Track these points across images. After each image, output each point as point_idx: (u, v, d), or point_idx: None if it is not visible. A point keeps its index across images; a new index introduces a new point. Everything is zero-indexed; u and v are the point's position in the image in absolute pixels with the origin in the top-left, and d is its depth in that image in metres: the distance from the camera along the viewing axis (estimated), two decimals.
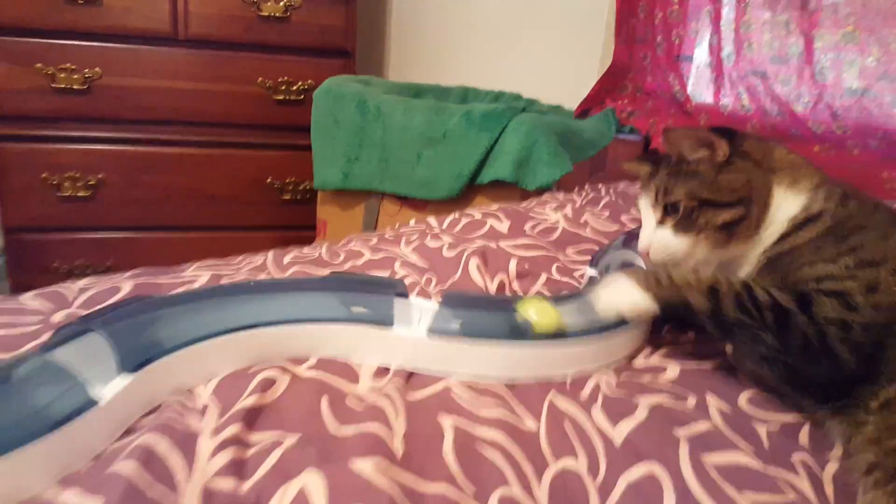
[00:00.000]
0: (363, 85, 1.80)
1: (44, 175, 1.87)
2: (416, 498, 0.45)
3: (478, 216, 1.04)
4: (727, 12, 1.78)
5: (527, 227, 1.01)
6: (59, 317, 0.63)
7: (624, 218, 1.10)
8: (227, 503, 0.42)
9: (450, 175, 1.49)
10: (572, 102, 1.86)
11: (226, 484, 0.44)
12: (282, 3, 1.97)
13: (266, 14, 1.98)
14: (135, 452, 0.43)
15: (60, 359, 0.48)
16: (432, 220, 1.04)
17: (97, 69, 1.88)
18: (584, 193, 1.25)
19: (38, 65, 1.83)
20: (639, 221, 1.12)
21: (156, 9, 1.88)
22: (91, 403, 0.46)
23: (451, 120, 1.49)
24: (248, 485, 0.44)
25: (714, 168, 0.67)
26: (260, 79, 2.04)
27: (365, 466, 0.45)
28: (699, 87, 1.87)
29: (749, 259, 0.68)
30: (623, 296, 0.62)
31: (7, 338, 0.57)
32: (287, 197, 2.14)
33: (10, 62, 1.81)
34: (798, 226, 0.65)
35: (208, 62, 1.98)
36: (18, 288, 1.90)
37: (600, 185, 1.28)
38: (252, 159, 2.08)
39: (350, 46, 2.13)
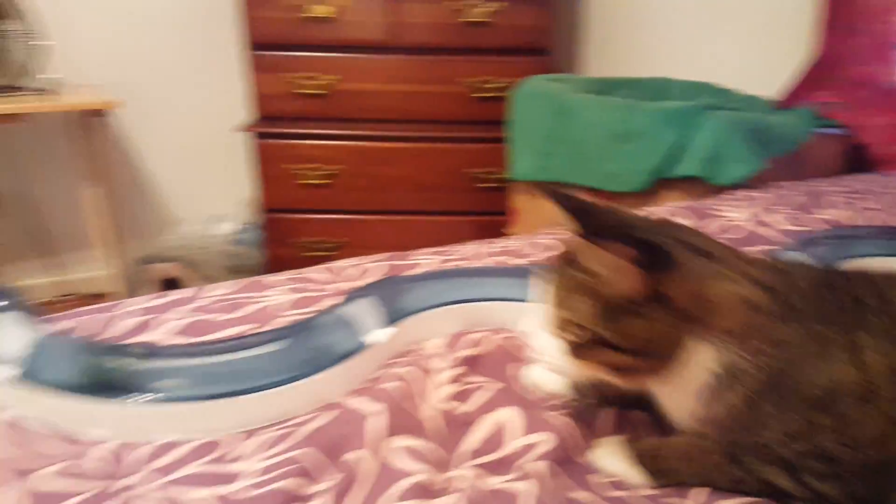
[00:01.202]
0: (559, 83, 1.95)
1: (292, 166, 2.26)
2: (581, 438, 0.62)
3: (661, 212, 1.14)
4: None
5: (707, 224, 1.10)
6: (334, 286, 0.89)
7: (811, 217, 1.13)
8: (452, 418, 0.63)
9: (639, 169, 1.59)
10: (774, 94, 1.82)
11: (451, 405, 0.65)
12: (485, 9, 2.18)
13: (471, 20, 2.20)
14: (398, 376, 0.65)
15: (347, 314, 0.72)
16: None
17: (333, 76, 2.23)
18: (773, 191, 1.28)
19: (289, 74, 2.21)
20: (826, 223, 1.14)
21: (379, 21, 2.16)
22: (367, 344, 0.69)
23: (641, 117, 1.58)
24: (466, 407, 0.65)
25: (621, 304, 0.53)
26: (463, 79, 2.27)
27: (548, 413, 0.64)
28: None
29: (673, 405, 0.59)
30: (619, 465, 0.58)
31: (307, 297, 0.85)
32: (484, 185, 2.35)
33: (267, 72, 2.20)
34: (719, 381, 0.53)
35: (421, 66, 2.24)
36: (272, 259, 2.36)
37: (792, 183, 1.30)
38: (454, 151, 2.30)
39: (547, 44, 2.27)
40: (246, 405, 0.60)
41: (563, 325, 0.56)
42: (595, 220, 0.56)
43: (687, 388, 0.55)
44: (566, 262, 0.56)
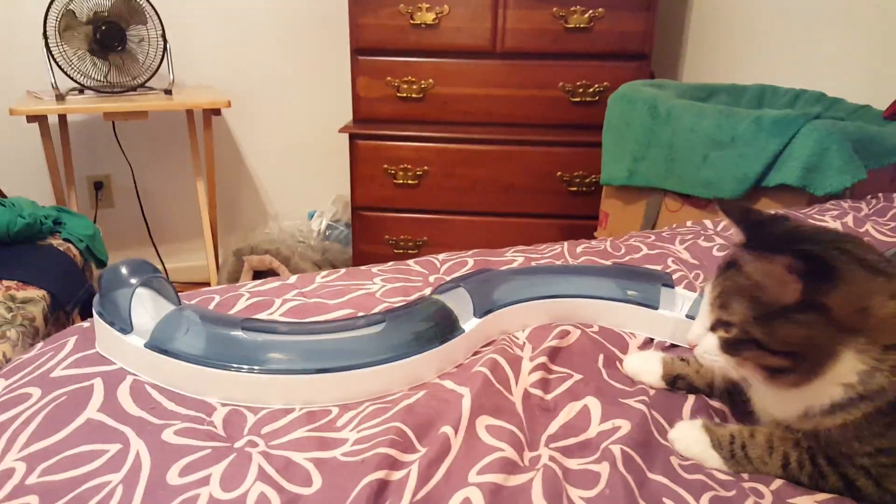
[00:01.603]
0: (656, 89, 1.93)
1: (384, 166, 2.35)
2: (658, 425, 0.65)
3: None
4: None
5: None
6: (432, 277, 0.95)
7: None
8: (537, 403, 0.67)
9: (735, 177, 1.56)
10: (883, 103, 1.74)
11: (536, 392, 0.69)
12: (587, 15, 2.19)
13: (572, 26, 2.21)
14: (487, 362, 0.70)
15: (443, 301, 0.77)
16: (708, 222, 1.18)
17: (430, 80, 2.30)
18: (874, 202, 1.25)
19: (388, 78, 2.31)
20: None
21: (479, 27, 2.22)
22: (460, 331, 0.74)
23: (740, 124, 1.55)
24: (550, 396, 0.69)
25: (778, 308, 0.55)
26: (560, 83, 2.28)
27: (629, 401, 0.67)
28: None
29: (783, 405, 0.61)
30: (694, 446, 0.62)
31: (405, 286, 0.91)
32: (574, 189, 2.35)
33: (370, 76, 2.30)
34: (854, 398, 0.55)
35: (518, 71, 2.27)
36: (359, 253, 2.46)
37: (894, 195, 1.26)
38: (545, 154, 2.32)
39: (647, 49, 2.25)
40: (348, 380, 0.67)
41: (718, 324, 0.59)
42: (762, 230, 0.61)
43: (816, 394, 0.57)
44: (729, 266, 0.60)
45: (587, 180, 2.34)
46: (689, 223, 1.21)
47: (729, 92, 2.06)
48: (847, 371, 0.55)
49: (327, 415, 0.64)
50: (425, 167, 2.34)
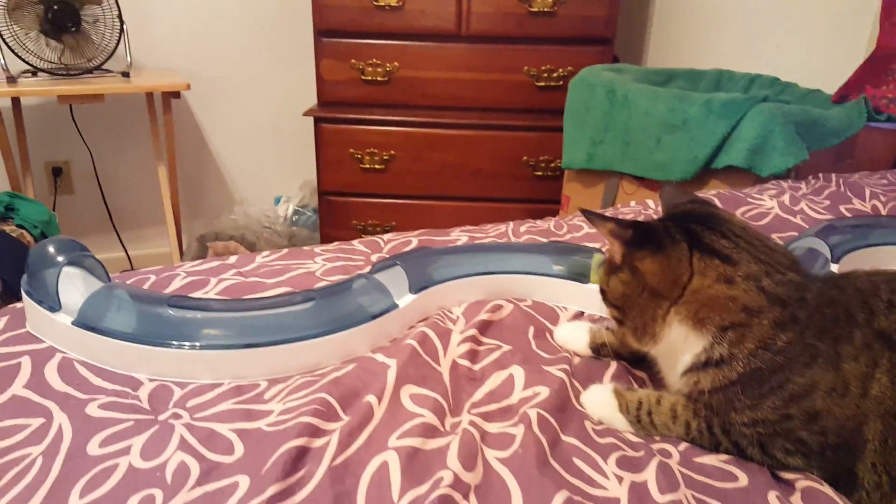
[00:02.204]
0: (615, 73, 1.95)
1: (350, 150, 2.32)
2: (577, 391, 0.68)
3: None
4: None
5: (739, 211, 1.12)
6: (374, 257, 0.96)
7: (843, 208, 1.13)
8: (464, 373, 0.70)
9: (686, 159, 1.59)
10: (833, 87, 1.79)
11: (464, 362, 0.71)
12: None
13: (536, 10, 2.22)
14: (417, 335, 0.72)
15: (379, 279, 0.79)
16: (650, 201, 1.20)
17: (395, 63, 2.29)
18: (813, 182, 1.29)
19: (353, 60, 2.29)
20: (858, 212, 1.14)
21: (444, 9, 2.21)
22: (394, 307, 0.76)
23: (691, 108, 1.58)
24: (478, 366, 0.71)
25: (613, 265, 0.65)
26: (525, 67, 2.29)
27: (551, 369, 0.69)
28: None
29: (672, 371, 0.66)
30: (602, 410, 0.65)
31: (346, 266, 0.92)
32: (539, 173, 2.37)
33: (333, 59, 2.28)
34: (703, 365, 0.60)
35: (483, 55, 2.27)
36: (325, 239, 2.45)
37: (834, 175, 1.29)
38: (511, 139, 2.33)
39: (610, 34, 2.26)
40: (278, 355, 0.68)
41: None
42: (672, 208, 0.70)
43: (676, 361, 0.64)
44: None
45: (552, 164, 2.35)
46: (632, 203, 1.24)
47: (687, 77, 2.09)
48: (683, 339, 0.61)
49: (255, 388, 0.66)
50: (392, 152, 2.33)
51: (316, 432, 0.58)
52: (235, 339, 0.68)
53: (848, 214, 1.11)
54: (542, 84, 2.32)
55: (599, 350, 0.75)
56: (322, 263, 0.92)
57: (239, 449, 0.57)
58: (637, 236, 0.62)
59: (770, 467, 0.60)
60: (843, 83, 1.70)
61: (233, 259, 0.93)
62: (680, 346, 0.62)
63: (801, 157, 1.36)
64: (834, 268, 0.90)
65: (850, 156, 1.56)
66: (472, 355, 0.73)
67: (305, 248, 0.97)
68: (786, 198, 1.17)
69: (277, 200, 2.70)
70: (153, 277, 0.86)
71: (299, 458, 0.55)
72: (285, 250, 0.96)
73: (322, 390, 0.63)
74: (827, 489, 0.56)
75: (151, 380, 0.66)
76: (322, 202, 2.42)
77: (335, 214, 2.42)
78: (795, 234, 1.03)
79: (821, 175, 1.32)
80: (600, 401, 0.66)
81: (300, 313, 0.72)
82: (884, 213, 1.17)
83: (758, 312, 0.58)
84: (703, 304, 0.60)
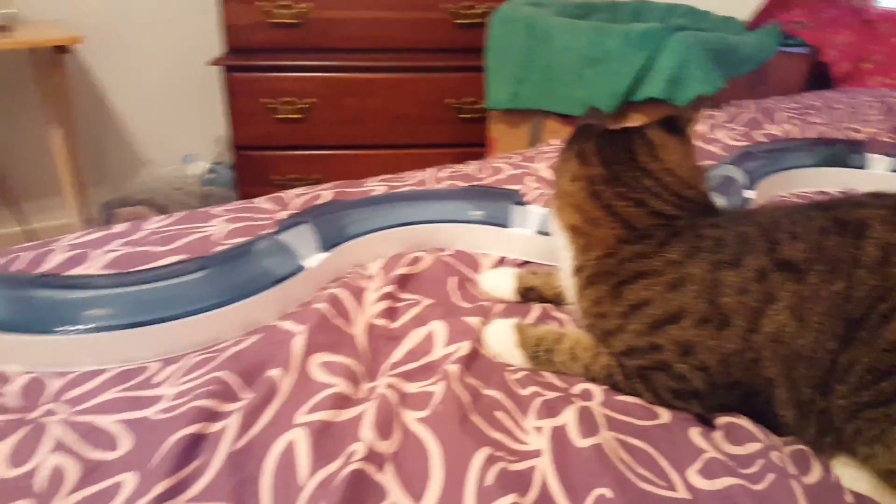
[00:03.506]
0: (535, 7, 1.89)
1: (265, 100, 2.20)
2: None
3: None
4: None
5: None
6: (281, 215, 0.89)
7: (757, 134, 1.13)
8: (381, 333, 0.65)
9: (607, 93, 1.56)
10: (747, 14, 1.79)
11: (381, 321, 0.66)
12: None
13: None
14: (327, 297, 0.66)
15: (283, 240, 0.72)
16: None
17: (307, 4, 2.15)
18: (730, 109, 1.28)
19: (259, 2, 2.13)
20: (772, 137, 1.15)
21: None
22: (300, 269, 0.70)
23: (610, 40, 1.54)
24: (396, 324, 0.66)
25: None
26: (444, 4, 2.19)
27: (473, 320, 0.65)
28: None
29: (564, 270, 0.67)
30: (500, 344, 0.63)
31: (249, 226, 0.85)
32: (465, 116, 2.31)
33: (238, 1, 2.12)
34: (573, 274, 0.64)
35: None
36: (244, 197, 2.31)
37: (750, 101, 1.29)
38: (434, 81, 2.24)
39: None
40: (170, 332, 0.61)
41: None
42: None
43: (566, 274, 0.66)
44: None
45: (477, 106, 2.29)
46: (553, 142, 1.20)
47: (607, 8, 2.05)
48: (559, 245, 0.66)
49: (143, 372, 0.59)
50: (310, 99, 2.21)
51: (212, 416, 0.52)
52: (119, 318, 0.60)
53: (763, 139, 1.11)
54: (462, 21, 2.23)
55: (527, 294, 0.74)
56: (221, 226, 0.84)
57: (125, 443, 0.51)
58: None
59: (673, 408, 0.57)
60: (756, 9, 1.70)
61: (119, 227, 0.84)
62: (560, 252, 0.65)
63: (717, 86, 1.35)
64: (751, 193, 0.90)
65: (764, 82, 1.56)
66: (390, 313, 0.68)
67: (201, 209, 0.89)
68: (704, 126, 1.15)
69: (188, 159, 2.54)
70: (27, 255, 0.76)
71: (193, 446, 0.49)
72: (179, 214, 0.87)
73: (220, 367, 0.57)
74: (747, 423, 0.55)
75: (25, 374, 0.58)
76: (237, 158, 2.28)
77: (253, 170, 2.30)
78: (714, 162, 1.03)
79: (741, 102, 1.32)
80: (499, 335, 0.64)
81: (193, 283, 0.65)
82: (796, 136, 1.18)
83: (625, 241, 0.60)
84: (562, 200, 0.65)
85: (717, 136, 1.11)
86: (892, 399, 0.46)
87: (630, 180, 0.61)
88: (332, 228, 0.76)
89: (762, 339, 0.52)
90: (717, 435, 0.55)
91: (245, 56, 2.17)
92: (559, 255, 0.67)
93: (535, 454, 0.52)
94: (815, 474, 0.51)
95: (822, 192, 1.02)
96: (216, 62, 2.14)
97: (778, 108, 1.25)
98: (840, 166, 1.04)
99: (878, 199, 0.55)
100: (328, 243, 0.74)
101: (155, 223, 0.85)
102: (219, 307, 0.63)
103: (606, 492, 0.48)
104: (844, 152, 1.06)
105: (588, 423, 0.54)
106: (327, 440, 0.51)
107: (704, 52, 1.37)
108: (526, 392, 0.58)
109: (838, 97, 1.43)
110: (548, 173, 1.03)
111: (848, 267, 0.50)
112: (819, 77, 1.77)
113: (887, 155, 1.05)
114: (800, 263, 0.52)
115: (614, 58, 1.53)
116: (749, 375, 0.53)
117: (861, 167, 1.04)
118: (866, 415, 0.48)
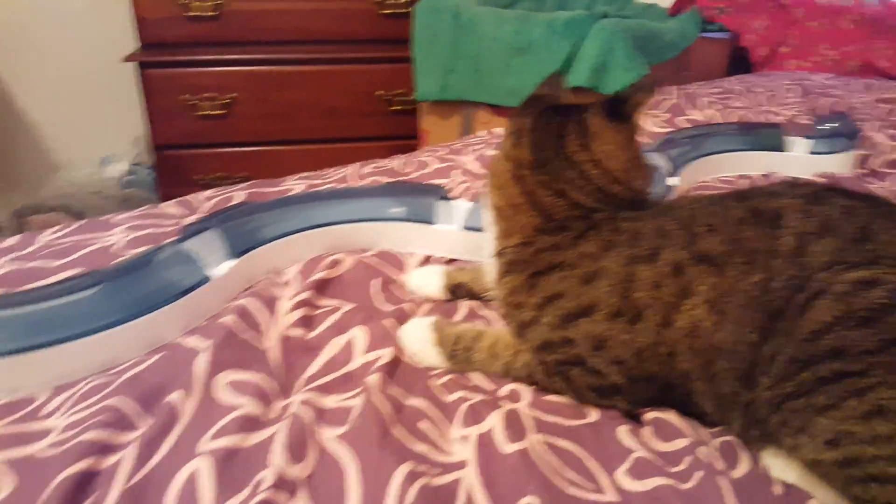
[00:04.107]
0: None
1: (184, 96, 2.09)
2: None
3: None
4: None
5: None
6: (189, 220, 0.83)
7: (680, 120, 1.14)
8: (297, 345, 0.61)
9: (535, 83, 1.52)
10: (670, 1, 1.81)
11: (296, 332, 0.62)
12: None
13: None
14: (234, 310, 0.62)
15: (186, 248, 0.67)
16: (500, 129, 1.15)
17: None
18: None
19: None
20: (695, 122, 1.16)
21: None
22: (206, 279, 0.65)
23: (536, 29, 1.54)
24: (313, 333, 0.63)
25: None
26: None
27: (388, 323, 0.62)
28: None
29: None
30: (416, 343, 0.61)
31: (153, 234, 0.79)
32: (396, 108, 2.26)
33: None
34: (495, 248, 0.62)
35: None
36: (166, 199, 2.21)
37: (673, 87, 1.30)
38: (362, 73, 2.19)
39: None
40: (61, 356, 0.56)
41: None
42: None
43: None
44: None
45: (408, 98, 2.25)
46: (481, 133, 1.18)
47: None
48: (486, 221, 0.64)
49: (31, 403, 0.53)
50: (232, 94, 2.12)
51: (106, 449, 0.47)
52: (3, 344, 0.54)
53: (686, 125, 1.12)
54: (387, 11, 2.18)
55: (455, 291, 0.71)
56: (122, 235, 0.78)
57: (6, 485, 0.45)
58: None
59: (597, 406, 0.56)
60: None
61: (12, 240, 0.77)
62: (487, 230, 0.63)
63: (641, 73, 1.36)
64: (675, 180, 0.90)
65: (687, 67, 1.59)
66: (307, 322, 0.64)
67: (102, 218, 0.82)
68: None
69: (106, 161, 2.40)
70: None
71: (84, 484, 0.45)
72: (76, 224, 0.80)
73: (116, 393, 0.52)
74: (674, 418, 0.54)
75: None
76: (158, 158, 2.18)
77: (175, 170, 2.19)
78: None
79: (664, 89, 1.33)
80: (416, 334, 0.61)
81: (87, 300, 0.59)
82: (718, 121, 1.20)
83: (542, 230, 0.58)
84: (493, 178, 0.62)
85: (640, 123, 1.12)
86: (814, 389, 0.46)
87: (554, 169, 0.59)
88: (242, 233, 0.72)
89: (676, 333, 0.51)
90: (646, 431, 0.54)
91: (161, 51, 2.06)
92: (486, 233, 0.64)
93: (461, 465, 0.49)
94: (743, 467, 0.50)
95: (744, 176, 1.03)
96: (129, 58, 2.03)
97: (700, 93, 1.27)
98: (761, 150, 1.06)
99: (792, 188, 0.55)
100: (237, 249, 0.69)
101: (49, 235, 0.78)
102: (116, 325, 0.58)
103: (533, 500, 0.46)
104: (765, 136, 1.07)
105: (514, 428, 0.52)
106: (234, 468, 0.47)
107: (628, 40, 1.37)
108: (451, 398, 0.56)
109: (758, 81, 1.46)
110: (475, 166, 1.01)
111: (765, 258, 0.49)
112: (740, 61, 1.81)
113: (806, 137, 1.07)
114: (718, 256, 0.51)
115: (540, 47, 1.52)
116: (665, 369, 0.53)
117: (781, 150, 1.06)
118: (790, 406, 0.47)
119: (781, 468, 0.50)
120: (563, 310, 0.55)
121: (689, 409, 0.55)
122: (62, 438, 0.49)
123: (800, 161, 1.05)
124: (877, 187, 1.00)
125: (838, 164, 1.04)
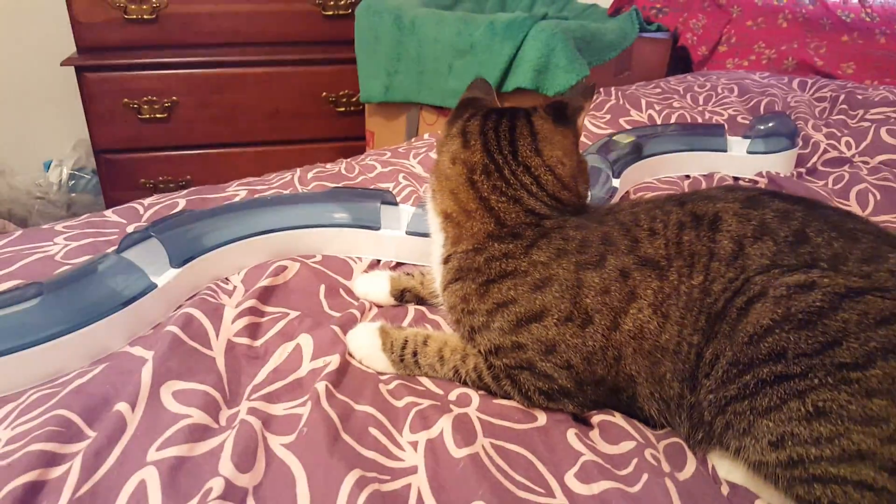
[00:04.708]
0: None
1: (124, 100, 2.04)
2: None
3: None
4: None
5: None
6: (131, 228, 0.83)
7: (622, 121, 1.17)
8: (243, 353, 0.62)
9: None
10: (609, 1, 1.86)
11: (242, 340, 0.63)
12: None
13: None
14: (179, 318, 0.62)
15: (130, 257, 0.67)
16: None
17: None
18: (595, 98, 1.32)
19: None
20: (636, 123, 1.20)
21: None
22: (151, 287, 0.65)
23: (477, 31, 1.56)
24: (260, 341, 0.63)
25: None
26: None
27: (335, 329, 0.64)
28: None
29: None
30: (364, 349, 0.62)
31: (96, 243, 0.78)
32: (342, 109, 2.26)
33: None
34: (443, 262, 0.62)
35: None
36: (111, 204, 2.16)
37: (612, 89, 1.34)
38: (307, 75, 2.18)
39: None
40: (4, 368, 0.55)
41: None
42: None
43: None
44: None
45: (354, 99, 2.25)
46: (426, 136, 1.20)
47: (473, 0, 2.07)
48: (433, 226, 0.64)
49: None
50: (173, 97, 2.09)
51: (52, 460, 0.48)
52: None
53: (627, 127, 1.15)
54: (329, 13, 2.17)
55: (402, 296, 0.72)
56: (64, 244, 0.77)
57: None
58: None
59: (547, 409, 0.58)
60: None
61: None
62: (434, 235, 0.63)
63: (582, 74, 1.39)
64: (616, 182, 0.93)
65: (628, 68, 1.63)
66: (253, 330, 0.65)
67: (44, 226, 0.81)
68: None
69: (48, 165, 2.33)
70: None
71: (31, 496, 0.45)
72: (17, 232, 0.79)
73: (61, 405, 0.52)
74: (621, 420, 0.56)
75: None
76: (100, 162, 2.12)
77: (119, 174, 2.15)
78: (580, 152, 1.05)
79: (601, 90, 1.36)
80: (363, 339, 0.62)
81: (29, 311, 0.59)
82: (658, 121, 1.23)
83: (497, 237, 0.58)
84: (440, 182, 0.61)
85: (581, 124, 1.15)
86: (756, 392, 0.47)
87: (509, 175, 0.59)
88: (184, 241, 0.72)
89: (623, 336, 0.53)
90: (594, 434, 0.56)
91: (100, 55, 2.01)
92: (432, 238, 0.64)
93: (411, 471, 0.51)
94: (689, 469, 0.52)
95: (687, 176, 1.06)
96: (65, 62, 1.97)
97: (641, 93, 1.30)
98: (702, 150, 1.07)
99: (729, 192, 0.57)
100: (180, 258, 0.70)
101: None
102: (60, 336, 0.58)
103: None
104: (705, 136, 1.08)
105: (464, 432, 0.53)
106: (183, 477, 0.47)
107: (568, 41, 1.40)
108: (401, 403, 0.57)
109: (698, 81, 1.50)
110: (420, 169, 1.03)
111: (705, 261, 0.51)
112: (680, 61, 1.85)
113: (744, 137, 1.09)
114: (660, 260, 0.53)
115: (482, 48, 1.55)
116: (611, 373, 0.54)
117: (722, 150, 1.07)
118: (734, 408, 0.49)
119: (728, 469, 0.52)
120: (515, 315, 0.56)
121: (635, 413, 0.57)
122: (6, 451, 0.48)
123: (740, 161, 1.07)
124: (816, 186, 1.02)
125: (777, 164, 1.06)
